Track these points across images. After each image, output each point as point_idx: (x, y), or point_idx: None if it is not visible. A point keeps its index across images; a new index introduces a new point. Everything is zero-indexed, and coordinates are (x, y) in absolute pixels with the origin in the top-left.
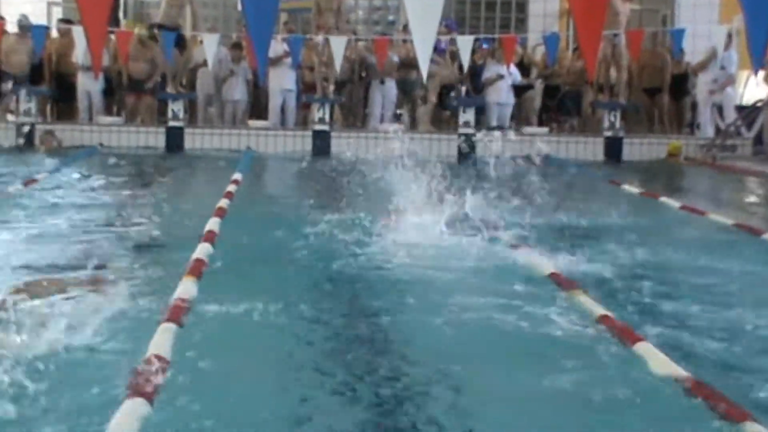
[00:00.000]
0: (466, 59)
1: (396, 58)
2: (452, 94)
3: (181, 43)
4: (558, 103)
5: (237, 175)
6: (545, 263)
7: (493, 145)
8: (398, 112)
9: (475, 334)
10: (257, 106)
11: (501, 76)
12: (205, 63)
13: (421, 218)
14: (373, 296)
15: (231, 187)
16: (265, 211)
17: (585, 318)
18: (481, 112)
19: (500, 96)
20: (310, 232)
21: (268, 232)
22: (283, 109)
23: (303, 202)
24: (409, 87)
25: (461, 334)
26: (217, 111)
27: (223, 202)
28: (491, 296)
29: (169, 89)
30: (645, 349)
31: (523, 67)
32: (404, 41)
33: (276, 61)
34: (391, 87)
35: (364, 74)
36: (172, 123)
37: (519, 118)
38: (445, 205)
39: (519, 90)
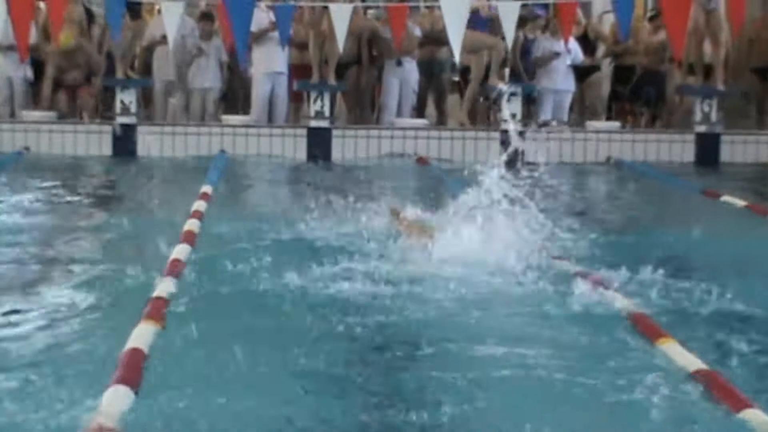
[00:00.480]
0: (510, 33)
1: (418, 31)
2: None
3: (132, 13)
4: (633, 89)
5: (206, 188)
6: (623, 301)
7: (546, 145)
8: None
9: (537, 394)
10: (234, 97)
11: (557, 54)
12: (164, 39)
13: (466, 265)
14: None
15: (199, 204)
16: (245, 236)
17: (676, 373)
18: (530, 101)
19: (556, 80)
20: (308, 270)
21: (246, 266)
22: (270, 101)
23: (296, 226)
24: (436, 69)
25: (520, 393)
26: (180, 103)
27: (191, 224)
28: (556, 345)
29: (118, 74)
30: (755, 417)
31: (587, 43)
32: (428, 8)
33: (259, 37)
34: (411, 69)
35: (375, 53)
36: (121, 119)
37: (581, 109)
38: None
39: (581, 72)
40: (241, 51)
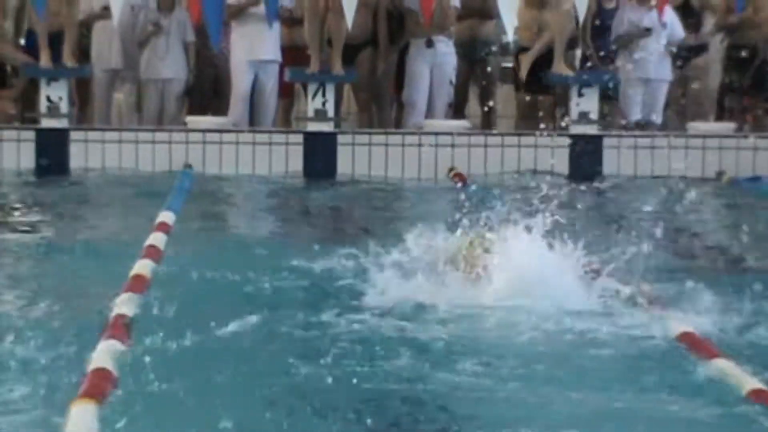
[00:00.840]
0: (583, 1)
1: (456, 1)
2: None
3: None
4: (754, 77)
5: (165, 216)
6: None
7: (633, 154)
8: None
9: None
10: (202, 91)
11: (647, 31)
12: (106, 12)
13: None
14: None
15: (155, 239)
16: (218, 285)
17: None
18: (611, 94)
19: (646, 66)
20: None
21: (216, 326)
22: (252, 96)
23: (288, 273)
24: (481, 51)
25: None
26: (129, 99)
27: (142, 267)
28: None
29: (42, 61)
30: None
31: (689, 14)
32: None
33: (239, 11)
34: (446, 52)
35: (396, 30)
36: (47, 122)
37: (681, 106)
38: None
39: (681, 55)
40: (214, 28)
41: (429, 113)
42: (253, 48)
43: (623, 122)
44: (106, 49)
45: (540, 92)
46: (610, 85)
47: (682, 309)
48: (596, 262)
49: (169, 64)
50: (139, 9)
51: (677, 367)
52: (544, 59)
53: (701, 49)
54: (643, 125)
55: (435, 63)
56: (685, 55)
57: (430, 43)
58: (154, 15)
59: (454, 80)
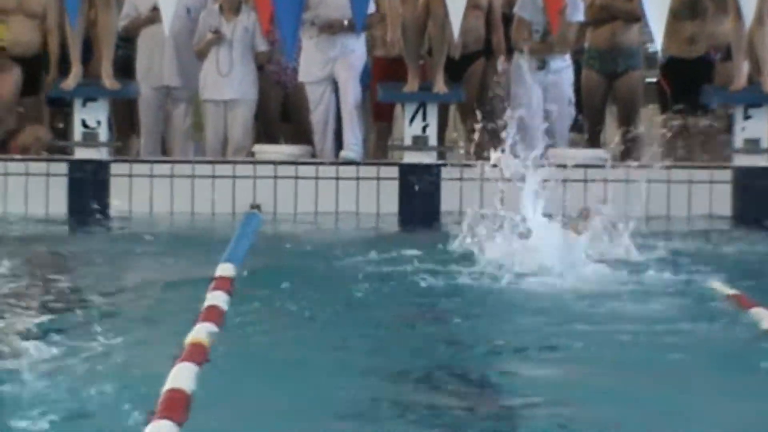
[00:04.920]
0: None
1: (579, 14)
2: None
3: None
4: None
5: (225, 269)
6: None
7: None
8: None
9: None
10: (271, 114)
11: None
12: (154, 14)
13: None
14: None
15: (213, 299)
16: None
17: None
18: None
19: None
20: None
21: None
22: (326, 121)
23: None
24: (622, 64)
25: None
26: (183, 124)
27: (199, 332)
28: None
29: (71, 78)
30: None
31: None
32: None
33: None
34: (561, 68)
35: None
36: (81, 152)
37: None
38: None
39: None
40: (289, 35)
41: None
42: (323, 63)
43: None
44: (156, 62)
45: (695, 114)
46: None
47: None
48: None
49: (234, 82)
50: (197, 12)
51: None
52: (700, 72)
53: None
54: None
55: (548, 82)
56: None
57: (542, 65)
58: (214, 20)
59: (573, 98)
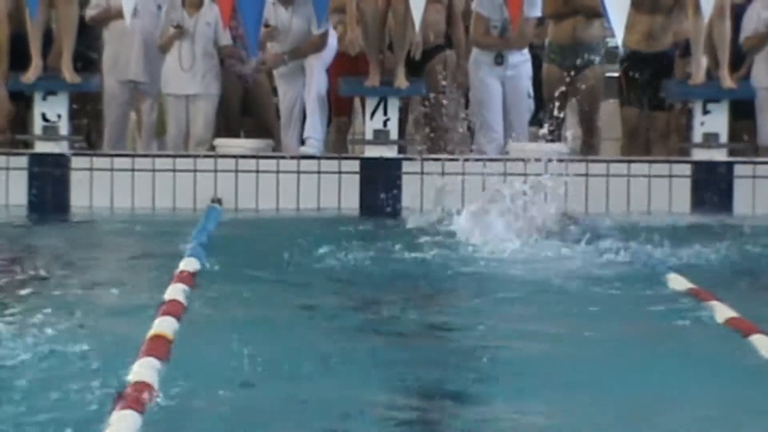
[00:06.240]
0: None
1: (537, 10)
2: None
3: None
4: None
5: (187, 264)
6: None
7: None
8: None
9: None
10: (232, 108)
11: None
12: (116, 12)
13: None
14: None
15: (174, 292)
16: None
17: None
18: (743, 113)
19: None
20: None
21: None
22: (291, 113)
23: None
24: (582, 57)
25: None
26: (148, 119)
27: (164, 326)
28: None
29: (32, 71)
30: None
31: None
32: None
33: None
34: (519, 62)
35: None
36: (41, 146)
37: None
38: None
39: None
40: (251, 29)
41: (507, 135)
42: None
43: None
44: (124, 56)
45: (655, 108)
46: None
47: None
48: None
49: (196, 76)
50: (154, 6)
51: None
52: (662, 66)
53: None
54: None
55: (506, 76)
56: None
57: (500, 60)
58: (177, 13)
59: (531, 92)
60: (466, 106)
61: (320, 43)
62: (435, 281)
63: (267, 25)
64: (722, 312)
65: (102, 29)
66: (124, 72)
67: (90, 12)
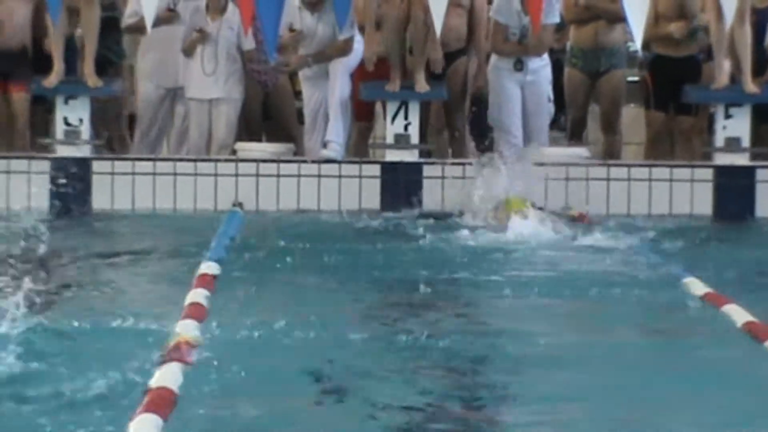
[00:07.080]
0: None
1: (555, 15)
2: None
3: None
4: None
5: (207, 268)
6: None
7: None
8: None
9: None
10: (254, 112)
11: None
12: (169, 17)
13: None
14: None
15: (196, 295)
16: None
17: None
18: (767, 116)
19: None
20: None
21: None
22: (315, 117)
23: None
24: (605, 62)
25: None
26: (183, 125)
27: (186, 328)
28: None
29: (53, 75)
30: None
31: None
32: None
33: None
34: (538, 67)
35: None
36: (62, 149)
37: None
38: None
39: None
40: (270, 33)
41: (528, 139)
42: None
43: None
44: (170, 62)
45: (681, 112)
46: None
47: None
48: None
49: (219, 81)
50: (182, 11)
51: None
52: (685, 70)
53: None
54: None
55: (526, 81)
56: None
57: (520, 66)
58: (200, 19)
59: (552, 96)
60: (470, 109)
61: (345, 48)
62: (442, 282)
63: (293, 30)
64: (740, 316)
65: (135, 35)
66: (169, 78)
67: (128, 20)
